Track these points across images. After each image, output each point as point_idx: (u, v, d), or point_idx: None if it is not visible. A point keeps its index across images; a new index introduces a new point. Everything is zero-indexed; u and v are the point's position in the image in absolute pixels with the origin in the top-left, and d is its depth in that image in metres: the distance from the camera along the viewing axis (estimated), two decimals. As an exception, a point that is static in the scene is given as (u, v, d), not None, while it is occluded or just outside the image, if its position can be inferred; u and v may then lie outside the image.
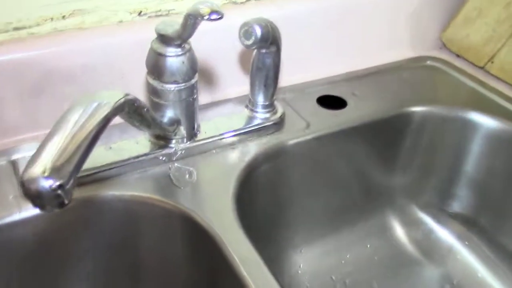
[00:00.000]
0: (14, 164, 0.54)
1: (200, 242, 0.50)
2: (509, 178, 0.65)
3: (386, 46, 0.77)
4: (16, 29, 0.55)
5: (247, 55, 0.64)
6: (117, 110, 0.37)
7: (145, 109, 0.43)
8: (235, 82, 0.66)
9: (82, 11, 0.57)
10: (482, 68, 0.75)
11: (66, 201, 0.31)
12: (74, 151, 0.33)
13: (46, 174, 0.31)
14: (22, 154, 0.55)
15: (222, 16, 0.44)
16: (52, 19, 0.56)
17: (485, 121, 0.65)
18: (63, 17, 0.57)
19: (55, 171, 0.31)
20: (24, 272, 0.52)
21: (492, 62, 0.73)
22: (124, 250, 0.55)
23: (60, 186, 0.31)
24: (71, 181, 0.32)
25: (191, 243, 0.52)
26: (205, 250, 0.50)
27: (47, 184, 0.30)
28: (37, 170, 0.31)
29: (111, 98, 0.37)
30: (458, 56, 0.78)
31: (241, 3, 0.66)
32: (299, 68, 0.70)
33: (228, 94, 0.66)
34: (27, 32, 0.56)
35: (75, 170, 0.32)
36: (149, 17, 0.61)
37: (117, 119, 0.55)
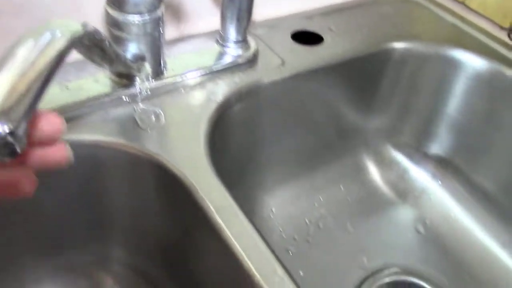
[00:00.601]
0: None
1: (171, 190, 0.47)
2: (488, 118, 0.63)
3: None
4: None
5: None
6: (75, 43, 0.32)
7: (107, 42, 0.37)
8: (205, 14, 0.60)
9: None
10: (461, 2, 0.72)
11: (18, 149, 0.27)
12: (24, 91, 0.28)
13: (-9, 118, 0.26)
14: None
15: None
16: None
17: (469, 59, 0.62)
18: None
19: (3, 115, 0.26)
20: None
21: (473, -4, 0.70)
22: (87, 202, 0.50)
23: (10, 132, 0.26)
24: (23, 126, 0.27)
25: (161, 192, 0.48)
26: (177, 198, 0.47)
27: (-7, 130, 0.26)
28: (-20, 114, 0.26)
29: (68, 29, 0.32)
30: (437, -11, 0.74)
31: None
32: (272, 2, 0.65)
33: (197, 29, 0.60)
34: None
35: (27, 113, 0.27)
36: None
37: (73, 54, 0.49)
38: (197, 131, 0.49)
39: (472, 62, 0.62)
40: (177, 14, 0.59)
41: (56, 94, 0.48)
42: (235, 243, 0.41)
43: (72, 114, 0.48)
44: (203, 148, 0.48)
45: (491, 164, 0.65)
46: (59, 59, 0.31)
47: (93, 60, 0.40)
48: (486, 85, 0.61)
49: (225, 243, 0.41)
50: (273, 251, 0.41)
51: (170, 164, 0.46)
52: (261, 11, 0.63)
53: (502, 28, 0.68)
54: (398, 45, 0.63)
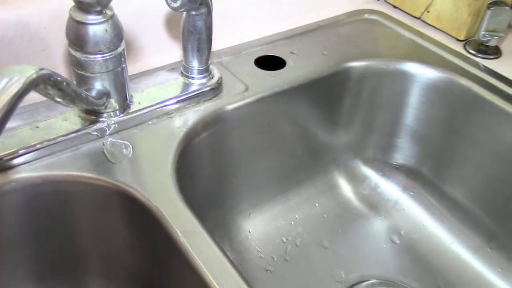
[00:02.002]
0: None
1: (140, 218, 0.48)
2: (447, 127, 0.65)
3: (323, 1, 0.75)
4: None
5: (176, 18, 0.61)
6: (30, 86, 0.34)
7: (65, 83, 0.39)
8: (167, 48, 0.63)
9: (-8, -21, 0.53)
10: (419, 18, 0.75)
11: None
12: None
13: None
14: None
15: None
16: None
17: (422, 71, 0.65)
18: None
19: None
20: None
21: (428, 12, 0.73)
22: (58, 236, 0.52)
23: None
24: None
25: (131, 221, 0.50)
26: (146, 226, 0.48)
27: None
28: None
29: (22, 73, 0.34)
30: (395, 7, 0.77)
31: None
32: (234, 29, 0.68)
33: (160, 62, 0.63)
34: None
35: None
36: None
37: (41, 97, 0.52)
38: (165, 160, 0.51)
39: (427, 74, 0.64)
40: (139, 50, 0.62)
41: (27, 134, 0.50)
42: (203, 266, 0.42)
43: (43, 152, 0.49)
44: (171, 177, 0.49)
45: (457, 172, 0.67)
46: (15, 102, 0.33)
47: (55, 101, 0.42)
48: (442, 95, 0.64)
49: (193, 267, 0.43)
50: (240, 273, 0.42)
51: (139, 194, 0.47)
52: (225, 39, 0.66)
53: (458, 40, 0.71)
54: (357, 63, 0.65)
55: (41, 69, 0.36)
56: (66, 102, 0.43)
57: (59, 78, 0.38)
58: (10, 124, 0.51)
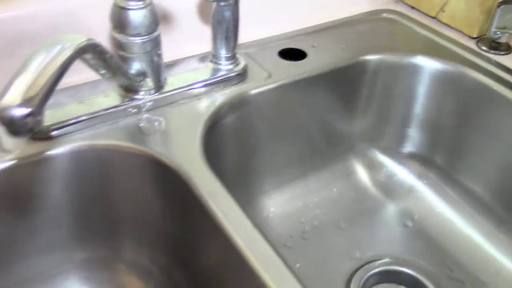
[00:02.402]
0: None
1: (169, 183, 0.54)
2: (459, 118, 0.69)
3: (344, 2, 0.81)
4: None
5: (208, 13, 0.68)
6: (80, 51, 0.40)
7: (108, 55, 0.46)
8: (199, 39, 0.69)
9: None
10: (434, 17, 0.79)
11: (35, 128, 0.35)
12: (41, 85, 0.36)
13: (17, 103, 0.34)
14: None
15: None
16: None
17: (434, 65, 0.69)
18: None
19: (25, 101, 0.35)
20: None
21: (443, 11, 0.78)
22: (97, 200, 0.58)
23: (30, 114, 0.34)
24: (40, 111, 0.35)
25: (161, 186, 0.56)
26: (175, 190, 0.54)
27: (18, 111, 0.34)
28: (9, 100, 0.34)
29: (74, 40, 0.40)
30: (412, 8, 0.82)
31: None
32: (261, 25, 0.74)
33: (192, 52, 0.69)
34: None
35: (42, 101, 0.36)
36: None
37: (88, 77, 0.59)
38: (193, 134, 0.57)
39: (440, 67, 0.69)
40: (174, 39, 0.68)
41: (74, 108, 0.57)
42: (226, 225, 0.47)
43: (86, 124, 0.56)
44: (198, 148, 0.55)
45: (469, 161, 0.71)
46: (68, 63, 0.39)
47: (98, 72, 0.48)
48: (454, 87, 0.68)
49: (217, 226, 0.48)
50: (260, 229, 0.47)
51: (168, 161, 0.53)
52: (251, 33, 0.72)
53: (471, 38, 0.75)
54: (372, 57, 0.70)
55: (90, 39, 0.43)
56: (109, 74, 0.50)
57: (104, 49, 0.45)
58: (60, 99, 0.58)
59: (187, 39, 0.69)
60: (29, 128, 0.35)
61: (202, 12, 0.69)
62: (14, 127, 0.34)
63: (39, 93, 0.35)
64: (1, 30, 0.57)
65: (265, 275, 0.43)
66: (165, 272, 0.61)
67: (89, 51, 0.43)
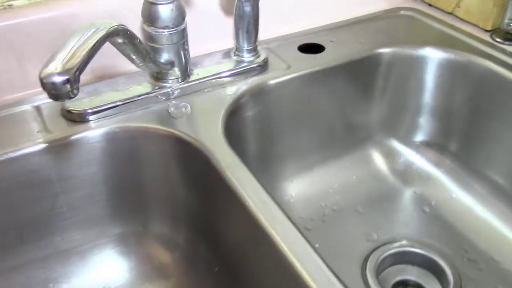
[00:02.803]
0: (37, 108, 0.64)
1: (194, 160, 0.59)
2: (474, 107, 0.72)
3: (363, 0, 0.85)
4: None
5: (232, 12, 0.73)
6: (111, 34, 0.47)
7: (137, 40, 0.52)
8: (224, 36, 0.75)
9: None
10: (451, 13, 0.83)
11: (72, 94, 0.41)
12: (77, 58, 0.42)
13: (57, 71, 0.40)
14: (43, 102, 0.65)
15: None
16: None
17: (449, 56, 0.73)
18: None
19: (64, 70, 0.41)
20: (31, 197, 0.61)
21: (459, 7, 0.81)
22: (129, 176, 0.64)
23: (68, 80, 0.40)
24: (77, 79, 0.41)
25: (186, 163, 0.62)
26: (199, 167, 0.59)
27: (59, 78, 0.40)
28: (51, 69, 0.41)
29: (107, 24, 0.47)
30: (430, 5, 0.86)
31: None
32: (282, 22, 0.79)
33: (217, 47, 0.75)
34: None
35: (78, 71, 0.42)
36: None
37: (123, 69, 0.65)
38: (216, 118, 0.62)
39: (454, 58, 0.72)
40: (199, 35, 0.74)
41: (110, 95, 0.64)
42: (246, 198, 0.51)
43: (121, 108, 0.63)
44: (220, 129, 0.61)
45: (485, 149, 0.73)
46: (101, 42, 0.45)
47: (129, 57, 0.54)
48: (468, 76, 0.71)
49: (237, 197, 0.53)
50: (279, 205, 0.51)
51: (193, 140, 0.59)
52: (273, 30, 0.77)
53: (486, 30, 0.78)
54: (387, 49, 0.74)
55: (121, 24, 0.49)
56: (139, 60, 0.56)
57: (133, 34, 0.51)
58: (98, 88, 0.65)
59: (213, 36, 0.75)
60: (67, 93, 0.41)
61: (227, 10, 0.75)
62: (55, 91, 0.40)
63: (75, 65, 0.41)
64: (46, 27, 0.65)
65: (284, 247, 0.47)
66: (191, 243, 0.66)
67: (120, 35, 0.49)
